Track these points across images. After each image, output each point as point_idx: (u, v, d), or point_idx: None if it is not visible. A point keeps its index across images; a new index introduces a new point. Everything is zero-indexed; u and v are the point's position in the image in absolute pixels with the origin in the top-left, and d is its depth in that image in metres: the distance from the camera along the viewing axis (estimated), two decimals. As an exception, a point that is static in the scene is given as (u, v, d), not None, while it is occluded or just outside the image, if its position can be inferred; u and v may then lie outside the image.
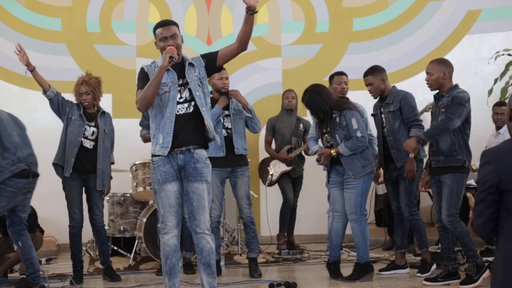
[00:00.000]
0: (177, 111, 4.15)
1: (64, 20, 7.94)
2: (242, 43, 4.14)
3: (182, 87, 4.19)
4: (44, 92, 5.56)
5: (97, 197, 5.62)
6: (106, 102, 7.65)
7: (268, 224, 7.52)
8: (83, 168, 5.54)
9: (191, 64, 4.23)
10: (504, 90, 7.22)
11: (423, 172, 5.40)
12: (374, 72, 5.56)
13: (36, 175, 4.91)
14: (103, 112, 5.73)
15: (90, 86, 5.59)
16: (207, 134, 4.20)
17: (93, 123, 5.63)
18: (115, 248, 6.71)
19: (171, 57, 4.03)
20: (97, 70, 7.89)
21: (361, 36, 8.14)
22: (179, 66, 4.22)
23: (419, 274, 5.37)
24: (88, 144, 5.59)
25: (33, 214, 5.42)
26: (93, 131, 5.60)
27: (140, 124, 6.08)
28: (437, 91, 5.13)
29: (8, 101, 7.40)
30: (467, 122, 5.00)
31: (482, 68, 7.67)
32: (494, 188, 2.49)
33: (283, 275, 5.85)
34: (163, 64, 4.03)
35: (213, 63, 4.23)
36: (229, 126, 5.71)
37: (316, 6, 8.20)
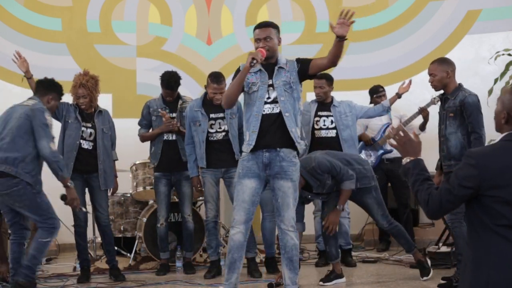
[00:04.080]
0: (264, 111, 4.28)
1: (64, 20, 7.93)
2: (331, 61, 4.25)
3: (272, 88, 4.32)
4: None
5: (101, 197, 5.63)
6: (106, 102, 7.65)
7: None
8: (84, 168, 5.55)
9: (281, 68, 4.34)
10: (504, 90, 7.22)
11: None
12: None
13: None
14: (100, 111, 5.71)
15: (87, 89, 5.55)
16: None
17: (90, 124, 5.61)
18: (115, 248, 6.70)
19: (253, 58, 4.12)
20: (97, 70, 7.87)
21: (361, 36, 8.13)
22: (271, 67, 4.34)
23: (425, 278, 5.25)
24: (87, 145, 5.59)
25: None
26: (91, 132, 5.59)
27: (139, 124, 6.09)
28: (442, 91, 5.12)
29: (8, 101, 7.30)
30: None
31: (482, 68, 7.66)
32: (472, 190, 2.50)
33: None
34: (246, 65, 4.16)
35: (305, 70, 4.33)
36: (226, 128, 5.72)
37: (316, 6, 8.19)
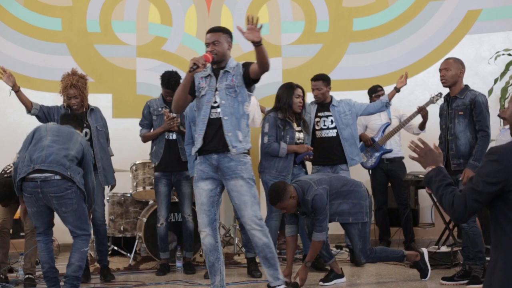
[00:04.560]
0: (211, 115, 4.33)
1: (64, 20, 7.93)
2: (260, 68, 4.27)
3: (217, 92, 4.35)
4: (29, 111, 5.55)
5: (97, 194, 5.64)
6: (106, 102, 7.68)
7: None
8: None
9: (227, 72, 4.37)
10: (504, 90, 7.22)
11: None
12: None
13: (48, 179, 4.61)
14: (92, 109, 5.71)
15: (78, 90, 5.55)
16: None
17: (84, 124, 5.62)
18: (115, 248, 6.71)
19: (194, 64, 4.15)
20: (97, 70, 7.92)
21: (361, 36, 8.14)
22: (219, 72, 4.38)
23: (423, 280, 5.25)
24: None
25: None
26: (86, 132, 5.60)
27: (140, 124, 6.09)
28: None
29: (8, 101, 7.37)
30: None
31: (482, 68, 7.67)
32: (497, 186, 2.47)
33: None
34: (188, 70, 4.19)
35: (248, 74, 4.36)
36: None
37: (316, 6, 8.20)
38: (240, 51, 8.05)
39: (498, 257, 2.53)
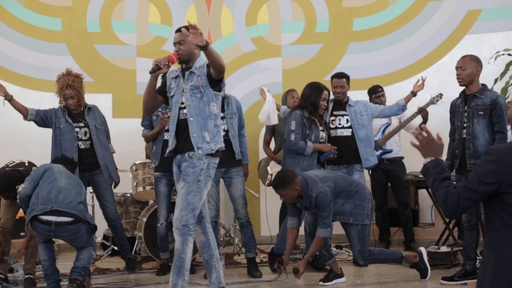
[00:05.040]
0: (180, 116, 4.32)
1: (64, 20, 7.93)
2: (214, 69, 4.23)
3: (185, 93, 4.34)
4: (25, 118, 5.56)
5: (106, 191, 5.69)
6: (106, 102, 7.67)
7: (268, 224, 7.52)
8: (86, 168, 5.58)
9: (193, 72, 4.34)
10: (504, 90, 7.22)
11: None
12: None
13: (63, 224, 4.72)
14: (90, 108, 5.72)
15: (74, 90, 5.57)
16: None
17: (82, 123, 5.63)
18: (115, 248, 6.71)
19: (156, 65, 4.15)
20: (97, 70, 7.92)
21: (361, 36, 8.13)
22: (186, 71, 4.36)
23: (423, 280, 5.25)
24: (84, 145, 5.63)
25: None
26: (85, 131, 5.61)
27: (142, 125, 6.09)
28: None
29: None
30: None
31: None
32: (492, 186, 2.48)
33: (283, 274, 5.84)
34: (149, 71, 4.21)
35: (210, 74, 4.32)
36: (226, 128, 5.73)
37: (316, 6, 8.20)
38: (240, 51, 8.06)
39: (490, 257, 2.53)
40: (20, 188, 4.87)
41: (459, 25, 7.88)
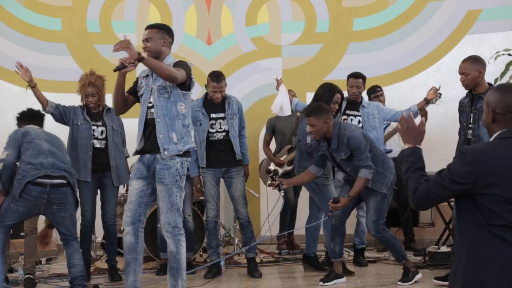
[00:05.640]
0: (148, 115, 4.29)
1: (64, 20, 7.93)
2: (164, 79, 4.23)
3: (153, 93, 4.30)
4: (44, 109, 5.57)
5: (111, 195, 5.69)
6: (106, 102, 7.66)
7: (268, 224, 7.51)
8: (98, 168, 5.59)
9: None
10: (504, 90, 7.21)
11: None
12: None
13: (57, 185, 4.78)
14: (109, 109, 5.75)
15: (96, 88, 5.62)
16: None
17: (100, 123, 5.66)
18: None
19: (121, 63, 4.17)
20: (97, 70, 7.87)
21: (361, 36, 8.13)
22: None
23: (399, 283, 5.23)
24: (99, 144, 5.64)
25: None
26: (102, 131, 5.64)
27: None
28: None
29: (8, 101, 7.39)
30: None
31: (482, 68, 7.66)
32: (465, 186, 2.50)
33: (283, 275, 5.85)
34: (113, 69, 4.23)
35: None
36: (226, 128, 5.73)
37: (316, 6, 8.19)
38: (240, 51, 8.06)
39: (461, 256, 2.54)
40: (4, 155, 4.85)
41: (459, 25, 7.88)
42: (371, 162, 5.09)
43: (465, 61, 5.08)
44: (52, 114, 5.59)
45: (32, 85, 5.47)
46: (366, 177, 5.04)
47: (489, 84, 5.11)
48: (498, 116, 2.58)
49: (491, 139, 2.61)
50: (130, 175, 4.48)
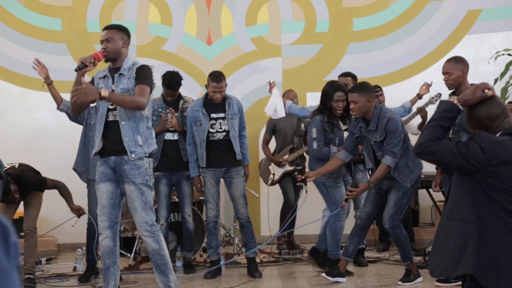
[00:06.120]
0: (108, 117, 4.24)
1: (64, 20, 7.93)
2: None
3: None
4: (58, 107, 5.57)
5: None
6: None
7: (269, 224, 7.51)
8: None
9: (121, 75, 4.27)
10: (504, 90, 7.22)
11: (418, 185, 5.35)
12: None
13: None
14: None
15: None
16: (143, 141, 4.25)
17: None
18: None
19: (82, 62, 4.11)
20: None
21: (361, 36, 8.13)
22: (116, 72, 4.29)
23: (400, 283, 5.23)
24: None
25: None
26: None
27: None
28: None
29: (9, 101, 7.40)
30: None
31: (482, 68, 7.66)
32: (473, 168, 2.63)
33: (283, 275, 5.85)
34: (74, 69, 4.16)
35: (138, 78, 4.27)
36: (226, 128, 5.74)
37: (316, 6, 8.20)
38: (240, 51, 8.06)
39: (471, 235, 2.60)
40: None
41: (459, 25, 7.88)
42: (403, 154, 5.06)
43: (448, 61, 5.08)
44: (66, 112, 5.59)
45: (48, 82, 5.47)
46: (389, 164, 4.99)
47: (472, 85, 5.08)
48: (489, 126, 2.74)
49: (498, 134, 2.71)
50: (96, 179, 4.39)
